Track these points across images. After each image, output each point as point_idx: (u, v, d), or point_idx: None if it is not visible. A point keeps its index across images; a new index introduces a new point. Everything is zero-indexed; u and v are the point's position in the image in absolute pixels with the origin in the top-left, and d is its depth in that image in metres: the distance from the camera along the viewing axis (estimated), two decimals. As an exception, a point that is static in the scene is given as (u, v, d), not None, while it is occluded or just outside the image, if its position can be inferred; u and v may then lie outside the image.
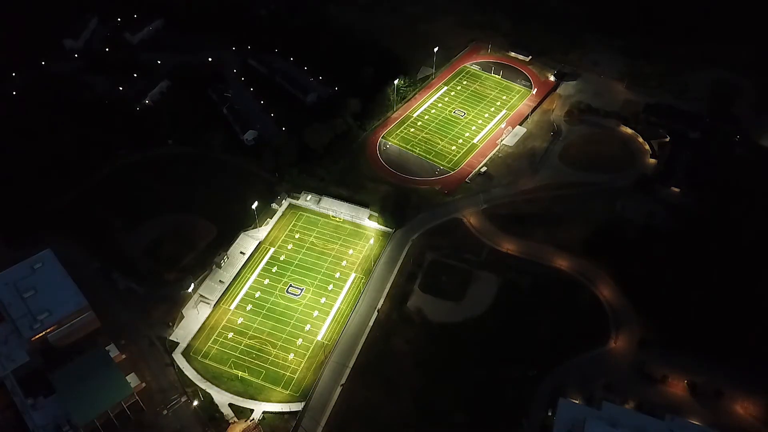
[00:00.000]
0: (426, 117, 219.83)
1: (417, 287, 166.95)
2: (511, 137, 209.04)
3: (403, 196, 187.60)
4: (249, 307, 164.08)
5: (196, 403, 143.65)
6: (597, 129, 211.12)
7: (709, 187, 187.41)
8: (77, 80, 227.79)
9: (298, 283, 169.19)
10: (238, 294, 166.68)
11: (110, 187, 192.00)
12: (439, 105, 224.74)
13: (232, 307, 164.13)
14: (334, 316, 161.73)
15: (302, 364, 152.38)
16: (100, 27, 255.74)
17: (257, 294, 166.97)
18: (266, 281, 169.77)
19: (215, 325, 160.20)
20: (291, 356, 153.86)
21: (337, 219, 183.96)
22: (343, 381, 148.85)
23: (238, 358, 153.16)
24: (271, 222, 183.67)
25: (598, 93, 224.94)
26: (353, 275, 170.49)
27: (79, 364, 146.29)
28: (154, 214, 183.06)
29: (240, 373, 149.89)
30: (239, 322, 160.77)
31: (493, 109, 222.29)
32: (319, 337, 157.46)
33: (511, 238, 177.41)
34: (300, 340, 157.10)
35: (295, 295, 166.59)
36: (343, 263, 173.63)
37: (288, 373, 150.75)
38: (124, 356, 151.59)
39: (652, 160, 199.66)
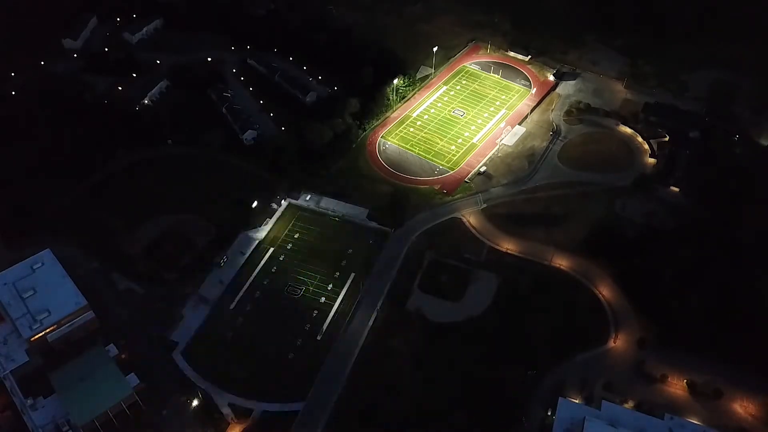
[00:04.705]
0: (425, 117, 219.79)
1: (416, 287, 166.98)
2: (510, 137, 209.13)
3: (402, 196, 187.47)
4: (248, 306, 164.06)
5: (196, 403, 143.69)
6: (596, 128, 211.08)
7: (708, 186, 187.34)
8: (77, 80, 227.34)
9: (297, 282, 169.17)
10: (237, 294, 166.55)
11: (110, 187, 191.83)
12: (439, 105, 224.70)
13: (232, 306, 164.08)
14: (334, 316, 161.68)
15: (302, 364, 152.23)
16: (99, 27, 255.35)
17: (257, 293, 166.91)
18: (266, 281, 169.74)
19: (215, 324, 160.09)
20: (291, 356, 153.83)
21: (337, 218, 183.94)
22: (342, 380, 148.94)
23: (237, 358, 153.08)
24: (271, 222, 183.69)
25: (597, 92, 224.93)
26: (352, 275, 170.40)
27: (79, 364, 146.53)
28: (153, 214, 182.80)
29: (240, 373, 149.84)
30: (239, 321, 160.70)
31: (492, 108, 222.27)
32: (318, 337, 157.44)
33: (510, 238, 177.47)
34: (300, 339, 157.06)
35: (294, 294, 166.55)
36: (343, 263, 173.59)
37: (288, 373, 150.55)
38: (123, 356, 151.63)
39: (652, 160, 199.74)
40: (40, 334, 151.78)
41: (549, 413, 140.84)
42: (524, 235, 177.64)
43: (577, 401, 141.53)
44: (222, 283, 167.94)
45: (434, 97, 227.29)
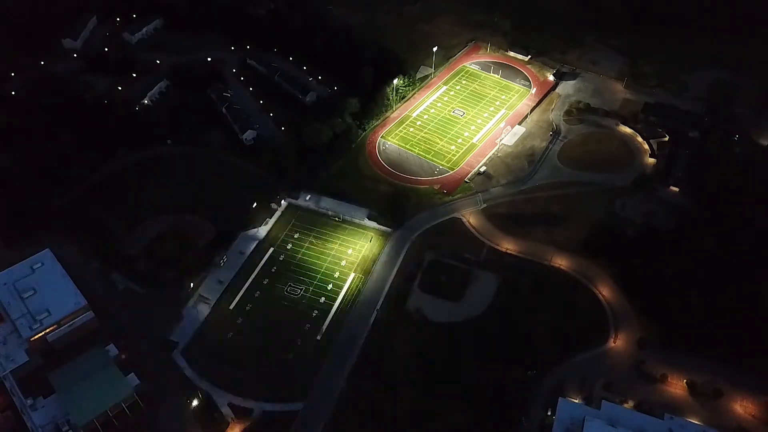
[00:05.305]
0: (425, 116, 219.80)
1: (416, 287, 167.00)
2: (510, 137, 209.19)
3: (402, 196, 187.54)
4: (248, 306, 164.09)
5: (195, 403, 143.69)
6: (596, 128, 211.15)
7: (708, 186, 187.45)
8: (76, 80, 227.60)
9: (297, 282, 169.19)
10: (237, 294, 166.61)
11: (110, 187, 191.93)
12: (439, 104, 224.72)
13: (232, 306, 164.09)
14: (334, 316, 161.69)
15: (302, 364, 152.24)
16: (99, 27, 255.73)
17: (257, 293, 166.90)
18: (265, 281, 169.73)
19: (215, 325, 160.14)
20: (291, 356, 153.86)
21: (337, 218, 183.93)
22: (342, 381, 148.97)
23: (237, 358, 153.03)
24: (270, 222, 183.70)
25: (597, 92, 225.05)
26: (352, 275, 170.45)
27: (79, 364, 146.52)
28: (153, 214, 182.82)
29: (239, 373, 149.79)
30: (238, 321, 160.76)
31: (492, 108, 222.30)
32: (318, 337, 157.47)
33: (510, 238, 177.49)
34: (299, 339, 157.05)
35: (294, 294, 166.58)
36: (343, 263, 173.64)
37: (288, 372, 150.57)
38: (123, 356, 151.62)
39: (652, 160, 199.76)
40: (40, 334, 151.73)
41: (549, 413, 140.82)
42: (524, 235, 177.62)
43: (577, 401, 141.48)
44: (222, 283, 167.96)
45: (434, 97, 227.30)
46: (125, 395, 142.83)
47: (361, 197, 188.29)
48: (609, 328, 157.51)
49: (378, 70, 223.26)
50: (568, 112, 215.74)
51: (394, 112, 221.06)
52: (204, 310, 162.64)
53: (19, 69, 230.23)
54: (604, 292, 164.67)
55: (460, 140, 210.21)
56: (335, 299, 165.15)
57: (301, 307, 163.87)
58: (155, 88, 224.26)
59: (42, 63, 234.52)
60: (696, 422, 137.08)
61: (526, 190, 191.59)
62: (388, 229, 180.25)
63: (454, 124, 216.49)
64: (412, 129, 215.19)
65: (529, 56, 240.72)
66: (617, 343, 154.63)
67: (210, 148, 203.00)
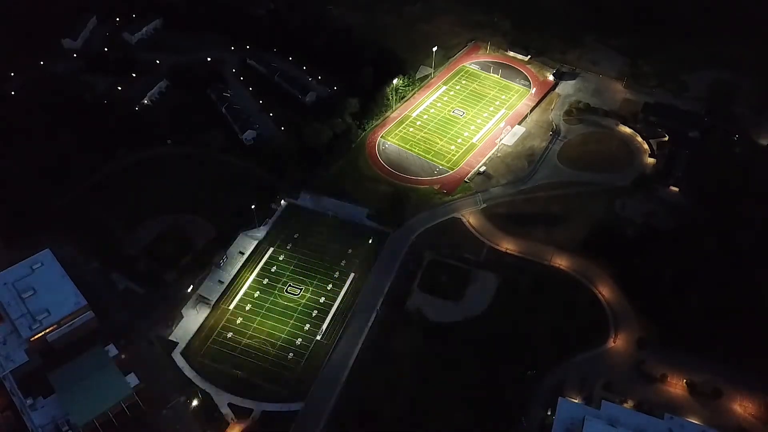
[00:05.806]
0: (425, 116, 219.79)
1: (416, 287, 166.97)
2: (510, 136, 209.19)
3: (402, 196, 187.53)
4: (248, 306, 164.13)
5: (195, 403, 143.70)
6: (596, 128, 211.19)
7: (708, 186, 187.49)
8: (76, 80, 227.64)
9: (297, 282, 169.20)
10: (237, 294, 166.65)
11: (109, 187, 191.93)
12: (438, 104, 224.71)
13: (231, 306, 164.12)
14: (333, 316, 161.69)
15: (301, 364, 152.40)
16: (99, 27, 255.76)
17: (256, 293, 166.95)
18: (265, 281, 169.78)
19: (214, 325, 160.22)
20: (290, 356, 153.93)
21: (336, 218, 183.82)
22: (342, 381, 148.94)
23: (237, 358, 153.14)
24: (270, 222, 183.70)
25: (597, 92, 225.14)
26: (352, 275, 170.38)
27: (78, 364, 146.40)
28: (153, 214, 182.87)
29: (239, 373, 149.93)
30: (238, 321, 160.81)
31: (492, 108, 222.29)
32: (318, 337, 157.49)
33: (510, 238, 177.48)
34: (299, 339, 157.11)
35: (294, 294, 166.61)
36: (342, 263, 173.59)
37: (287, 373, 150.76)
38: (123, 356, 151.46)
39: (651, 160, 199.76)
40: (40, 334, 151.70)
41: (549, 413, 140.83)
42: (524, 235, 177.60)
43: (577, 401, 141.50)
44: (222, 283, 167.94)
45: (434, 96, 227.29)
46: (125, 395, 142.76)
47: (361, 197, 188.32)
48: (609, 328, 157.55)
49: (378, 70, 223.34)
50: (567, 112, 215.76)
51: (393, 112, 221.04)
52: (204, 310, 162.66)
53: (19, 69, 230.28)
54: (604, 292, 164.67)
55: (459, 140, 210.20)
56: (335, 299, 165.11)
57: (301, 307, 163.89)
58: (155, 88, 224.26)
59: (42, 63, 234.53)
60: (696, 422, 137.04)
61: (526, 190, 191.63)
62: (388, 229, 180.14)
63: (454, 124, 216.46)
64: (411, 129, 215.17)
65: (529, 56, 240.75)
66: (617, 343, 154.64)
67: (210, 148, 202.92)
